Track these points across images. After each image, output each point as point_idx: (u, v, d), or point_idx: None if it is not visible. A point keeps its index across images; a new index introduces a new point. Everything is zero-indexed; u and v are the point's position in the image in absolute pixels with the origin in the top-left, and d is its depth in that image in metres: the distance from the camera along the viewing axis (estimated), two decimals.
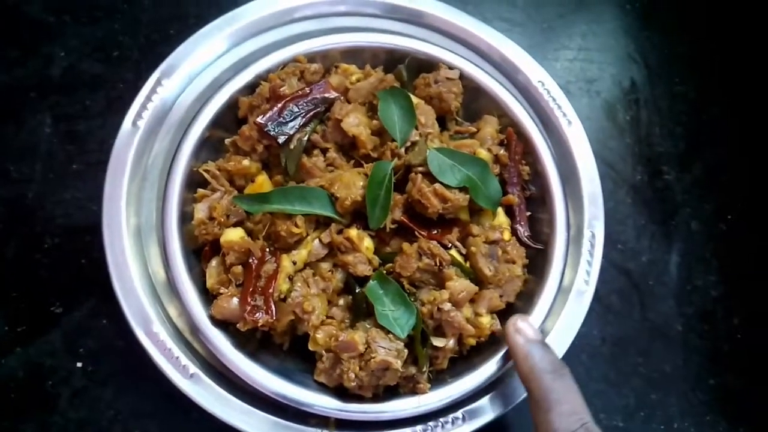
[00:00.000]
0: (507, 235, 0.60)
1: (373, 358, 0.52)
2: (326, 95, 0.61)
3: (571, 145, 0.67)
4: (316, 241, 0.59)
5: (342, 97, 0.62)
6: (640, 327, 0.73)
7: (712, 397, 0.72)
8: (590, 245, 0.64)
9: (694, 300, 0.75)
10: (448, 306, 0.55)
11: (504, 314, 0.60)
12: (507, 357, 0.58)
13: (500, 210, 0.62)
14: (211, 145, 0.63)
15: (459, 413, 0.58)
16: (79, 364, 0.65)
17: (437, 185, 0.57)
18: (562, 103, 0.69)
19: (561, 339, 0.61)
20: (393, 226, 0.59)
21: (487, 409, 0.58)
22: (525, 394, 0.59)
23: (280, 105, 0.59)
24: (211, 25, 0.67)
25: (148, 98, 0.64)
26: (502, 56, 0.70)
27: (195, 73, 0.65)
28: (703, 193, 0.80)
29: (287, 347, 0.60)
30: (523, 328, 0.55)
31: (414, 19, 0.70)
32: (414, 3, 0.70)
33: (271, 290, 0.55)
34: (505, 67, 0.70)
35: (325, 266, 0.59)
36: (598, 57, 0.85)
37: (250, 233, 0.59)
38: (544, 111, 0.69)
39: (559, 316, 0.61)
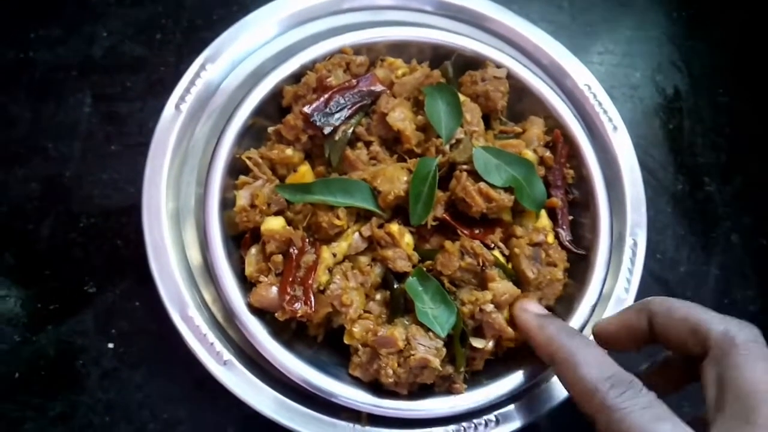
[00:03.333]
0: (551, 238, 0.59)
1: (413, 355, 0.52)
2: (373, 88, 0.61)
3: (616, 151, 0.67)
4: (356, 234, 0.58)
5: (388, 91, 0.62)
6: None
7: None
8: (632, 253, 0.63)
9: (731, 314, 0.73)
10: (490, 307, 0.54)
11: None
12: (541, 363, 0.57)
13: (543, 212, 0.61)
14: (253, 133, 0.62)
15: (492, 416, 0.57)
16: (110, 345, 0.65)
17: (482, 184, 0.57)
18: (608, 107, 0.68)
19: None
20: (434, 224, 0.58)
21: (521, 414, 0.57)
22: (560, 400, 0.58)
23: (326, 96, 0.59)
24: (257, 11, 0.67)
25: (192, 82, 0.64)
26: (548, 58, 0.69)
27: (239, 59, 0.65)
28: (744, 206, 0.79)
29: (321, 339, 0.59)
30: (529, 306, 0.55)
31: (462, 16, 0.70)
32: (462, 0, 0.69)
33: (310, 281, 0.54)
34: (551, 69, 0.70)
35: (364, 260, 0.58)
36: (642, 63, 0.84)
37: (290, 223, 0.58)
38: (589, 115, 0.68)
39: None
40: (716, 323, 0.46)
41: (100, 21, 0.77)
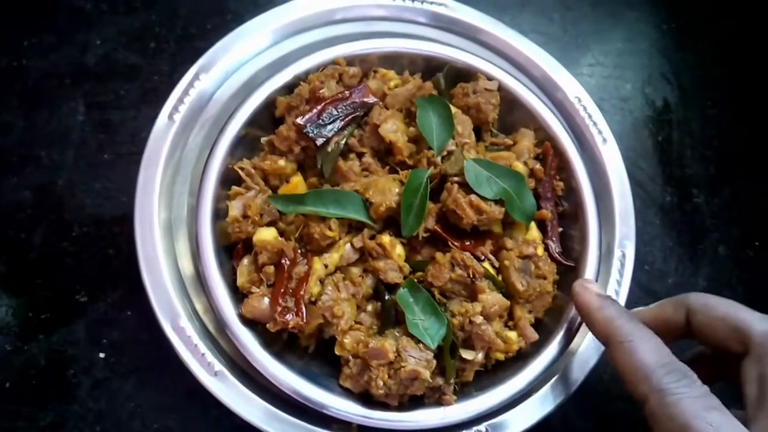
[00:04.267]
0: (540, 251, 0.59)
1: (403, 367, 0.52)
2: (365, 100, 0.61)
3: (605, 163, 0.67)
4: (348, 245, 0.58)
5: (380, 103, 0.62)
6: None
7: None
8: (620, 264, 0.64)
9: None
10: (480, 319, 0.55)
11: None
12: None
13: (533, 224, 0.62)
14: (246, 143, 0.62)
15: (482, 426, 0.57)
16: (101, 355, 0.64)
17: (473, 196, 0.57)
18: (597, 120, 0.69)
19: (587, 358, 0.61)
20: (425, 235, 0.59)
21: (511, 424, 0.58)
22: (549, 410, 0.58)
23: (319, 107, 0.59)
24: (251, 22, 0.67)
25: (185, 92, 0.64)
26: (540, 70, 0.70)
27: (232, 69, 0.66)
28: (732, 218, 0.80)
29: (312, 350, 0.59)
30: (590, 285, 0.55)
31: (454, 28, 0.70)
32: (455, 12, 0.70)
33: (302, 292, 0.55)
34: (542, 82, 0.70)
35: (356, 271, 0.59)
36: (632, 76, 0.85)
37: (282, 234, 0.58)
38: (579, 127, 0.69)
39: (586, 336, 0.61)
40: (758, 322, 0.47)
41: (93, 29, 0.77)
